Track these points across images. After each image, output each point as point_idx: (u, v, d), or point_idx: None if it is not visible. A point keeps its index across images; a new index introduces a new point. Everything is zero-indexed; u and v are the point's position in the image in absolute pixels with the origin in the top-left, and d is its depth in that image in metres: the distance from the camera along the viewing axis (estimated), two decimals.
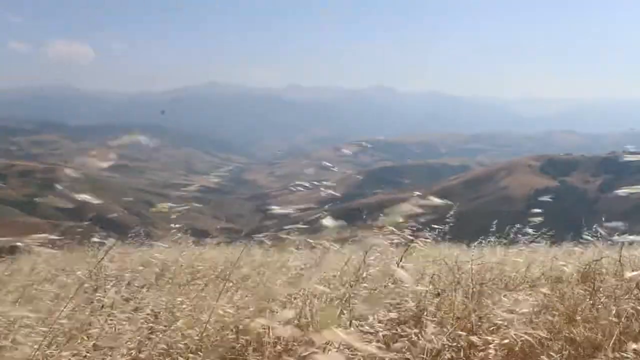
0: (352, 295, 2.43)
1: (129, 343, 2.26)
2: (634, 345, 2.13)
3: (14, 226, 65.85)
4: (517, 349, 2.30)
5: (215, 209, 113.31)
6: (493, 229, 4.72)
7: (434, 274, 3.33)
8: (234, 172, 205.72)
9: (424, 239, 2.46)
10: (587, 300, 2.92)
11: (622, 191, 1.47)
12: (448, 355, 2.31)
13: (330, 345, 1.83)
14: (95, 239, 4.77)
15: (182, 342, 2.34)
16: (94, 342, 2.27)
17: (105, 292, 3.00)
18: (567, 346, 2.45)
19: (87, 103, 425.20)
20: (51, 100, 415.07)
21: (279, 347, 2.27)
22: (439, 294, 2.97)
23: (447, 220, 3.96)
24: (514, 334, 2.26)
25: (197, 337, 2.38)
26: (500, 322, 2.43)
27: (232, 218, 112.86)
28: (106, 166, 1.67)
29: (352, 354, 1.83)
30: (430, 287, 3.02)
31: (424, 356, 2.16)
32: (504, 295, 2.78)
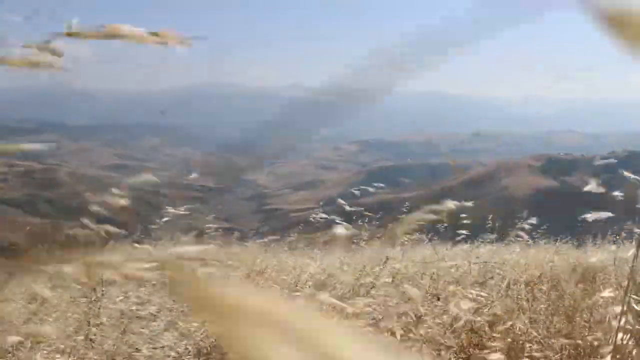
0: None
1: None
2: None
3: (14, 226, 65.89)
4: (517, 348, 2.30)
5: (215, 209, 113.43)
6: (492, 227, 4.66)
7: (433, 273, 3.33)
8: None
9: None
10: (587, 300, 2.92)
11: (590, 215, 1.45)
12: (448, 355, 2.31)
13: None
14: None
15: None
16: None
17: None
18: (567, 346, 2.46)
19: (87, 103, 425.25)
20: (51, 100, 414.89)
21: None
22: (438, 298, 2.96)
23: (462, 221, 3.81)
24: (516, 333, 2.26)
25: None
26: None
27: (233, 218, 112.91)
28: None
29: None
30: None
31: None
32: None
